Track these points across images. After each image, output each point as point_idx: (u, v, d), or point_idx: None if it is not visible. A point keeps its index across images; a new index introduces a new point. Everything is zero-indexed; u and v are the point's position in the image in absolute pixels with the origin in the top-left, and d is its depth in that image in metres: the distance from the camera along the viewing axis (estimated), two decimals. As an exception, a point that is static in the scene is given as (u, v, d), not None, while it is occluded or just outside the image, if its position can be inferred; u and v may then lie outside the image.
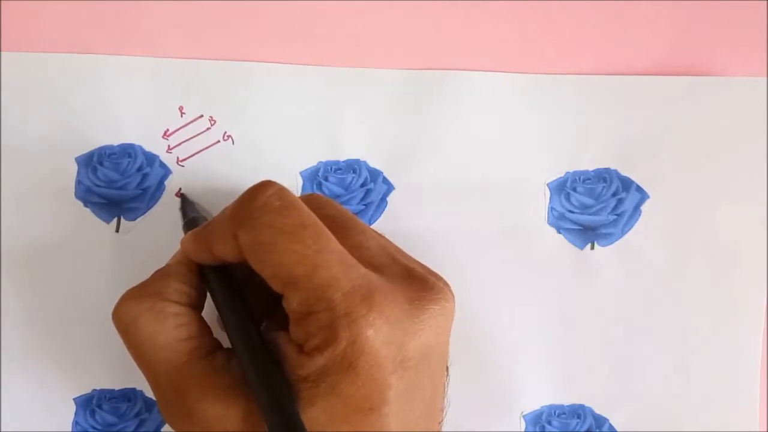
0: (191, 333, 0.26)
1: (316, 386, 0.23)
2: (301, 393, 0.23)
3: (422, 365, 0.25)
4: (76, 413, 0.35)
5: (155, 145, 0.34)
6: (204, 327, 0.27)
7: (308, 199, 0.27)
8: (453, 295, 0.27)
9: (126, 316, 0.26)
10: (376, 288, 0.24)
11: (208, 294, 0.28)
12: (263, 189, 0.26)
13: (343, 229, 0.27)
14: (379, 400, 0.23)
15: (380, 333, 0.23)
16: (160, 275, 0.28)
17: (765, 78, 0.35)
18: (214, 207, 0.33)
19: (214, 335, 0.27)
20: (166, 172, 0.34)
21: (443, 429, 0.28)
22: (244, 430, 0.24)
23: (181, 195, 0.34)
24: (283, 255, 0.24)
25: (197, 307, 0.28)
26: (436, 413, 0.27)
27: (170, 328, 0.26)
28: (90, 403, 0.35)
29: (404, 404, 0.24)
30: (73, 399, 0.35)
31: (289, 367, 0.24)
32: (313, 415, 0.23)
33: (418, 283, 0.26)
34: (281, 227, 0.25)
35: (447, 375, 0.27)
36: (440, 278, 0.27)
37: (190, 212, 0.32)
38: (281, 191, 0.26)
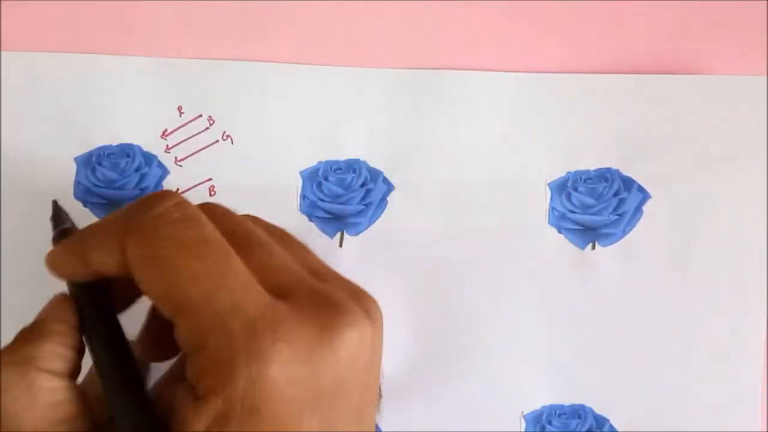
0: (67, 413, 0.22)
1: None
2: None
3: (339, 400, 0.22)
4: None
5: (154, 145, 0.34)
6: (81, 406, 0.22)
7: (204, 210, 0.23)
8: (379, 315, 0.23)
9: None
10: (282, 317, 0.21)
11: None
12: (163, 198, 0.22)
13: (244, 246, 0.23)
14: None
15: (286, 370, 0.20)
16: (31, 335, 0.23)
17: (765, 78, 0.35)
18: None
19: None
20: (164, 172, 0.34)
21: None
22: None
23: (53, 203, 0.29)
24: (178, 272, 0.21)
25: (75, 372, 0.23)
26: None
27: (42, 407, 0.21)
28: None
29: None
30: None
31: (181, 426, 0.20)
32: None
33: (330, 308, 0.22)
34: (180, 241, 0.21)
35: (378, 405, 0.25)
36: (362, 298, 0.23)
37: (62, 223, 0.27)
38: (183, 202, 0.23)
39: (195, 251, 0.21)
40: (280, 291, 0.22)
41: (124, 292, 0.24)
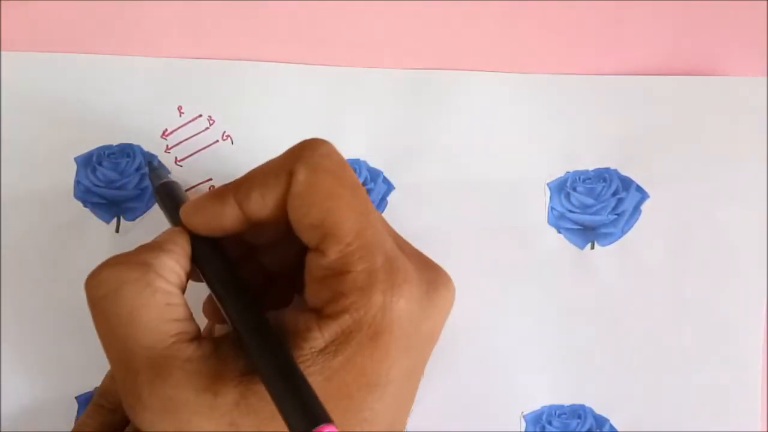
0: (179, 315, 0.24)
1: (332, 358, 0.22)
2: (313, 368, 0.22)
3: (424, 348, 0.25)
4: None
5: (154, 145, 0.34)
6: (190, 312, 0.25)
7: None
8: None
9: (106, 284, 0.23)
10: (407, 264, 0.24)
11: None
12: (323, 142, 0.25)
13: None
14: (385, 378, 0.23)
15: (410, 306, 0.23)
16: (151, 248, 0.25)
17: (765, 78, 0.35)
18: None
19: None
20: (164, 172, 0.34)
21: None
22: (233, 417, 0.22)
23: (149, 163, 0.33)
24: (338, 203, 0.23)
25: (184, 290, 0.25)
26: (412, 400, 0.26)
27: (159, 304, 0.23)
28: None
29: (402, 384, 0.24)
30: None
31: (304, 339, 0.22)
32: (323, 388, 0.22)
33: (431, 268, 0.25)
34: (342, 178, 0.24)
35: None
36: (442, 268, 0.27)
37: (159, 178, 0.31)
38: (336, 150, 0.25)
39: (354, 191, 0.24)
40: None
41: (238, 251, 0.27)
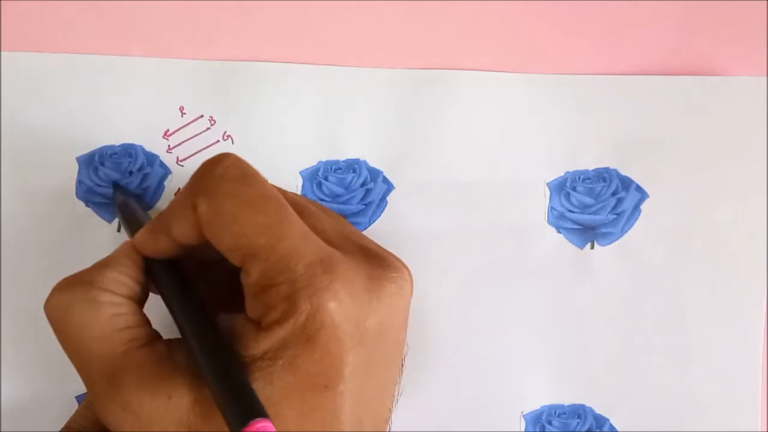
0: (129, 323, 0.25)
1: (272, 363, 0.23)
2: (256, 373, 0.23)
3: (378, 344, 0.24)
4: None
5: (156, 145, 0.34)
6: (143, 319, 0.26)
7: None
8: (411, 276, 0.26)
9: (58, 306, 0.25)
10: (339, 262, 0.24)
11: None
12: (221, 159, 0.25)
13: (298, 211, 0.26)
14: (336, 377, 0.23)
15: (341, 306, 0.23)
16: (97, 265, 0.26)
17: (765, 78, 0.35)
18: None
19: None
20: (166, 172, 0.34)
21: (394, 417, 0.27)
22: (189, 422, 0.23)
23: (113, 184, 0.34)
24: (244, 225, 0.23)
25: (138, 301, 0.26)
26: (388, 396, 0.26)
27: (105, 317, 0.24)
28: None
29: (359, 383, 0.24)
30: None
31: (243, 347, 0.23)
32: (268, 393, 0.22)
33: (376, 261, 0.25)
34: (243, 196, 0.24)
35: (402, 361, 0.27)
36: (398, 259, 0.26)
37: (120, 197, 0.33)
38: (240, 161, 0.25)
39: (256, 205, 0.24)
40: (332, 245, 0.25)
41: (195, 265, 0.27)
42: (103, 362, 0.24)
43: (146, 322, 0.26)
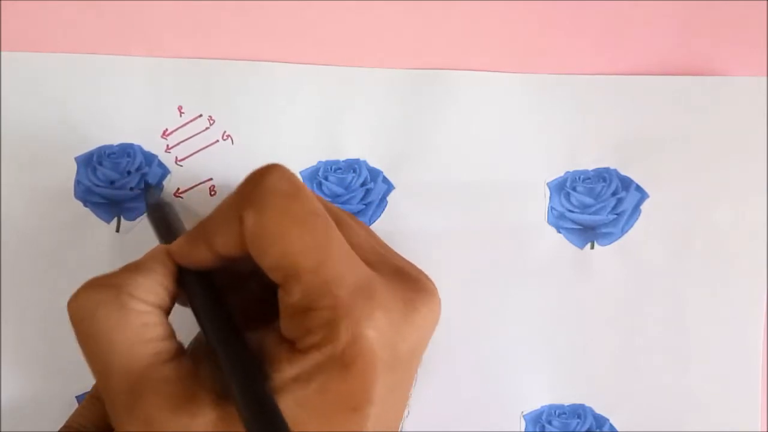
0: (156, 335, 0.24)
1: (305, 387, 0.22)
2: (287, 395, 0.22)
3: (407, 367, 0.24)
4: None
5: (154, 145, 0.34)
6: (170, 330, 0.25)
7: None
8: (439, 295, 0.26)
9: (84, 307, 0.23)
10: (378, 288, 0.23)
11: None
12: (271, 170, 0.24)
13: (337, 223, 0.25)
14: (365, 401, 0.22)
15: (380, 335, 0.22)
16: (128, 269, 0.25)
17: (765, 78, 0.35)
18: (211, 207, 0.33)
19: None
20: (165, 171, 0.34)
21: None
22: None
23: (145, 184, 0.34)
24: (290, 244, 0.22)
25: (166, 311, 0.25)
26: (403, 409, 0.26)
27: (133, 325, 0.23)
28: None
29: (386, 405, 0.23)
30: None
31: (276, 369, 0.22)
32: (295, 414, 0.22)
33: (410, 283, 0.25)
34: (292, 214, 0.23)
35: (415, 376, 0.27)
36: (428, 277, 0.26)
37: (152, 199, 0.32)
38: (289, 174, 0.24)
39: (306, 225, 0.23)
40: (368, 264, 0.24)
41: (228, 278, 0.26)
42: (124, 373, 0.23)
43: (172, 334, 0.25)
